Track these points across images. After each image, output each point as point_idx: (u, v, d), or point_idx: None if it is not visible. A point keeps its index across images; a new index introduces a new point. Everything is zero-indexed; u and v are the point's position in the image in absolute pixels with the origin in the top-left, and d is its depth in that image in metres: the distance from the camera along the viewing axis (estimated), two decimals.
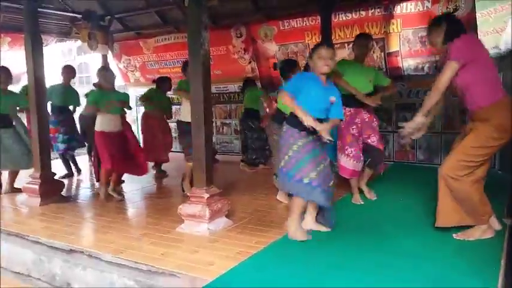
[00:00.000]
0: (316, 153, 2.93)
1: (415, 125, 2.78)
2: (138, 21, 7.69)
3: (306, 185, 2.86)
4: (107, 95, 4.36)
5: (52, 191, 4.36)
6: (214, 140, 7.58)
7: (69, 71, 6.04)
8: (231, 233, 3.20)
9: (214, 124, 7.60)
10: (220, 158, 6.86)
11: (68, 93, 5.82)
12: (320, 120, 2.86)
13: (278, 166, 3.08)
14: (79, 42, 7.24)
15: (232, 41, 6.88)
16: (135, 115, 8.56)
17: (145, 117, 5.82)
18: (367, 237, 3.02)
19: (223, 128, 7.65)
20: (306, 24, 6.15)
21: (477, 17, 4.96)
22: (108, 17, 7.23)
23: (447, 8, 5.19)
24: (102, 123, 4.32)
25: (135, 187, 5.14)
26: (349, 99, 3.72)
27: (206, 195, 3.20)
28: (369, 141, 3.89)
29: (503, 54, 4.91)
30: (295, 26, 6.23)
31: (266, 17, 6.46)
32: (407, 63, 5.81)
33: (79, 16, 6.98)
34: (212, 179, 3.34)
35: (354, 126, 3.85)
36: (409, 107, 5.89)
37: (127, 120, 4.88)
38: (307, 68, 3.35)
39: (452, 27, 2.83)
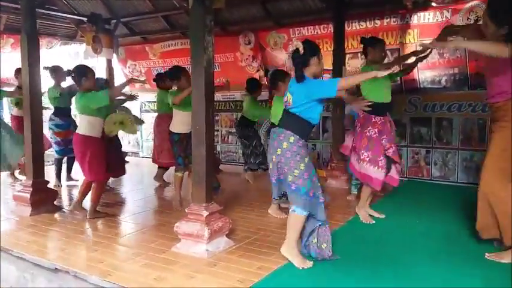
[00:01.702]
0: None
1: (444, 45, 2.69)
2: (145, 26, 7.55)
3: (318, 202, 2.69)
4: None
5: (44, 200, 4.11)
6: (218, 149, 7.34)
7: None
8: (232, 256, 2.91)
9: (219, 133, 7.35)
10: (225, 168, 6.58)
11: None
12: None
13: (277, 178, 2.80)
14: (84, 46, 7.08)
15: (240, 48, 6.68)
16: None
17: (158, 120, 5.55)
18: (381, 267, 2.71)
19: (228, 137, 7.38)
20: (317, 32, 5.91)
21: None
22: (114, 20, 7.09)
23: (468, 18, 4.92)
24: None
25: (132, 198, 4.90)
26: (383, 106, 3.62)
27: (205, 213, 2.92)
28: (388, 152, 3.65)
29: None
30: (306, 34, 5.99)
31: (276, 24, 6.25)
32: (424, 76, 5.53)
33: (84, 19, 6.85)
34: (212, 194, 3.06)
35: (384, 136, 3.63)
36: (424, 121, 5.60)
37: None
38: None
39: None
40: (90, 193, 3.97)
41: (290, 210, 2.71)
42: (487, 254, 2.82)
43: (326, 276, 2.57)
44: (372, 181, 3.59)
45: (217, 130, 7.32)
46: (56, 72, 5.18)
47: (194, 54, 2.98)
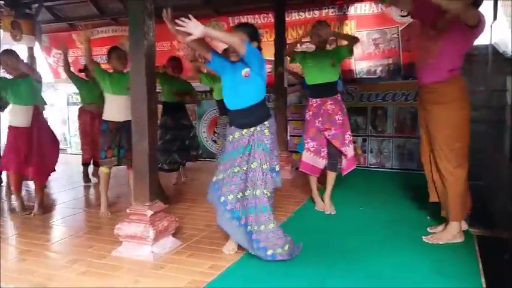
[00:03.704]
0: None
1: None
2: (71, 11, 6.94)
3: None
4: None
5: None
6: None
7: None
8: (180, 256, 2.73)
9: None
10: None
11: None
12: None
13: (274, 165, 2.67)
14: (1, 32, 6.34)
15: (177, 37, 6.36)
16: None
17: (79, 112, 5.19)
18: (333, 254, 2.71)
19: None
20: (257, 21, 5.81)
21: None
22: (36, 4, 6.40)
23: (401, 10, 5.11)
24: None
25: (64, 197, 4.48)
26: (315, 89, 3.58)
27: (149, 213, 2.72)
28: (326, 134, 3.57)
29: None
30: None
31: (215, 12, 6.05)
32: (360, 66, 5.67)
33: (1, 2, 6.11)
34: (155, 193, 2.86)
35: (320, 118, 3.56)
36: (361, 111, 5.76)
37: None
38: None
39: None
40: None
41: None
42: (424, 237, 2.94)
43: (280, 270, 2.50)
44: (301, 164, 3.64)
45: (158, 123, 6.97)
46: None
47: (134, 40, 2.75)
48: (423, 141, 3.05)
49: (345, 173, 3.70)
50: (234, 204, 2.57)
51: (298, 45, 3.97)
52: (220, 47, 3.06)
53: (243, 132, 2.56)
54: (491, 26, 4.32)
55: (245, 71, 2.50)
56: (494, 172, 4.00)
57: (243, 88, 2.53)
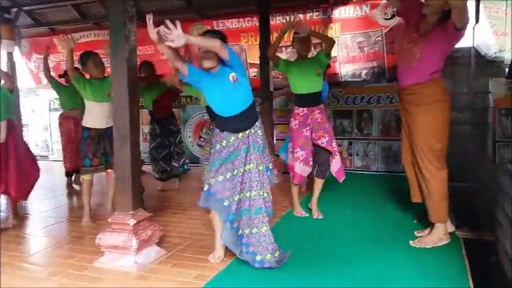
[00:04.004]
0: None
1: None
2: (52, 16, 6.83)
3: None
4: None
5: None
6: (140, 148, 6.89)
7: None
8: (165, 266, 2.66)
9: (140, 131, 6.90)
10: (148, 169, 6.17)
11: None
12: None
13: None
14: None
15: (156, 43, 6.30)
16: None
17: (61, 119, 5.05)
18: (322, 260, 2.67)
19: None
20: (242, 25, 5.80)
21: None
22: (15, 9, 6.27)
23: (385, 13, 5.14)
24: None
25: (46, 206, 4.36)
26: (302, 98, 3.56)
27: (132, 222, 2.64)
28: (319, 142, 3.58)
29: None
30: (231, 26, 5.84)
31: (199, 15, 6.00)
32: (345, 69, 5.69)
33: None
34: (139, 201, 2.78)
35: (308, 128, 3.56)
36: (346, 114, 5.77)
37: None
38: None
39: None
40: None
41: None
42: (411, 242, 2.92)
43: (268, 278, 2.45)
44: (292, 172, 3.62)
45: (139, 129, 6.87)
46: None
47: (114, 44, 2.68)
48: (404, 143, 3.07)
49: (343, 178, 3.70)
50: (231, 207, 2.56)
51: (283, 53, 3.94)
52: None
53: (239, 136, 2.54)
54: (473, 28, 4.37)
55: (232, 75, 2.46)
56: (478, 173, 4.02)
57: (235, 94, 2.50)
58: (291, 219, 3.63)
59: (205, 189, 2.59)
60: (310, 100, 3.58)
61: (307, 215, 3.69)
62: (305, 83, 3.55)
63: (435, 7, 2.67)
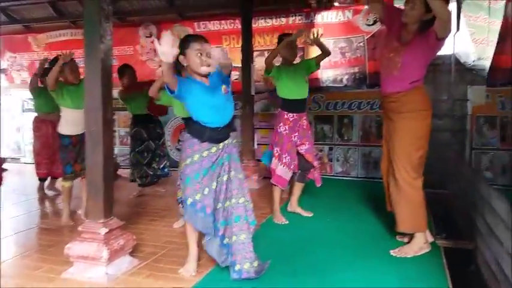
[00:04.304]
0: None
1: None
2: (27, 13, 6.59)
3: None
4: None
5: None
6: (116, 151, 6.71)
7: None
8: (138, 278, 2.53)
9: (116, 134, 6.72)
10: (124, 174, 6.01)
11: None
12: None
13: None
14: None
15: (140, 41, 6.17)
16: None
17: (37, 123, 4.82)
18: (302, 268, 2.61)
19: (127, 138, 6.78)
20: (224, 27, 5.72)
21: None
22: None
23: (367, 19, 5.14)
24: None
25: (17, 211, 4.16)
26: (292, 104, 3.56)
27: (104, 231, 2.51)
28: (300, 148, 3.63)
29: None
30: (212, 28, 5.76)
31: (180, 16, 5.90)
32: (327, 75, 5.66)
33: None
34: (112, 208, 2.65)
35: (296, 133, 3.59)
36: (327, 119, 5.74)
37: None
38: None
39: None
40: None
41: None
42: (391, 251, 2.88)
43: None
44: (275, 177, 3.59)
45: (115, 131, 6.70)
46: None
47: (89, 43, 2.55)
48: (384, 151, 3.07)
49: (320, 183, 3.79)
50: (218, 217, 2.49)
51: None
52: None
53: (220, 146, 2.48)
54: (454, 36, 4.40)
55: (224, 87, 2.45)
56: (457, 180, 4.04)
57: (228, 105, 2.50)
58: (271, 227, 3.55)
59: (188, 203, 2.43)
60: (299, 106, 3.61)
61: (288, 222, 3.62)
62: (295, 89, 3.57)
63: (414, 16, 2.66)
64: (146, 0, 5.76)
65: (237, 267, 2.43)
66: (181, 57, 2.38)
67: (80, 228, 2.59)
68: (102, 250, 2.45)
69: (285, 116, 3.58)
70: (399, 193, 2.84)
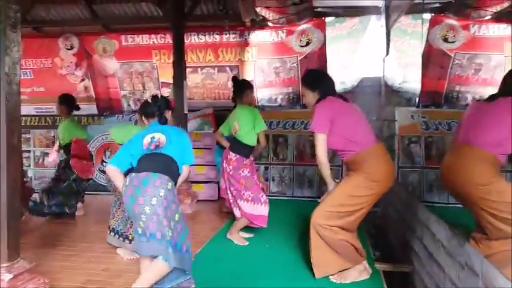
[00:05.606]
0: None
1: (331, 191, 2.81)
2: None
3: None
4: None
5: None
6: (31, 174, 6.02)
7: None
8: None
9: (31, 154, 6.05)
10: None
11: None
12: None
13: None
14: None
15: (59, 53, 5.65)
16: None
17: None
18: None
19: (43, 159, 6.13)
20: (154, 42, 5.44)
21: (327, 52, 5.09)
22: None
23: (300, 40, 5.18)
24: None
25: None
26: (249, 150, 3.64)
27: (8, 277, 2.10)
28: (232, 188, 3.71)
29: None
30: (141, 42, 5.45)
31: (105, 28, 5.50)
32: (262, 94, 5.61)
33: None
34: (18, 248, 2.24)
35: (255, 176, 3.73)
36: None
37: None
38: None
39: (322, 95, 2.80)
40: None
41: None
42: (330, 276, 2.81)
43: None
44: (257, 219, 3.59)
45: (29, 151, 6.02)
46: None
47: None
48: None
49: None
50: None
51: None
52: None
53: None
54: (383, 59, 4.56)
55: None
56: (388, 198, 4.11)
57: None
58: (208, 255, 3.30)
59: (139, 231, 2.21)
60: (251, 150, 3.69)
61: (248, 243, 3.59)
62: (253, 135, 3.62)
63: (307, 102, 2.92)
64: (66, 9, 5.27)
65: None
66: None
67: None
68: None
69: (244, 162, 3.61)
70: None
